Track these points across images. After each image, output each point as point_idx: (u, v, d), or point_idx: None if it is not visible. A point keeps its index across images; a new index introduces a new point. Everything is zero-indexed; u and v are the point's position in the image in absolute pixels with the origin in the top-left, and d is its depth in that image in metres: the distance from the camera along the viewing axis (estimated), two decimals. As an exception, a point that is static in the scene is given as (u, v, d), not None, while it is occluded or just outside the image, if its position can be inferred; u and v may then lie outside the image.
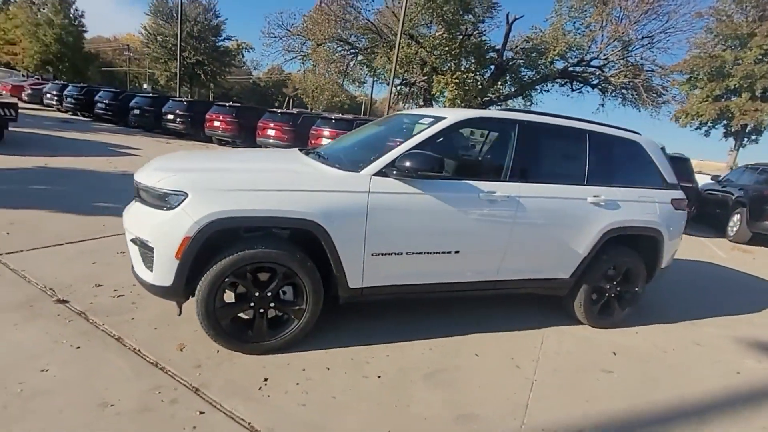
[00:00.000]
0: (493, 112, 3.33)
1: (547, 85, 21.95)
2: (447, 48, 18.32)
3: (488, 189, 2.67)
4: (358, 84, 26.57)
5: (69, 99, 18.30)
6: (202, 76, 28.46)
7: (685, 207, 3.54)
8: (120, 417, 1.78)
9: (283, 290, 2.39)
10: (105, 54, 43.84)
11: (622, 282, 3.34)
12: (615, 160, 3.33)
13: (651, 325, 3.49)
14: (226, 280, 2.19)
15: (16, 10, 36.99)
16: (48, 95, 19.86)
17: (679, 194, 3.45)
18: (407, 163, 2.39)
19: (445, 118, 2.74)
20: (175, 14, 20.89)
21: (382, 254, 2.48)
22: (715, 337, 3.46)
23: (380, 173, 2.45)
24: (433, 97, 21.48)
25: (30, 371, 1.97)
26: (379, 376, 2.31)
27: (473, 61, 20.05)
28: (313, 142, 11.01)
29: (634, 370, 2.77)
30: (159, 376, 2.07)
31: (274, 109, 14.74)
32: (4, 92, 23.03)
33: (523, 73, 21.87)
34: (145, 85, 42.38)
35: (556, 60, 20.49)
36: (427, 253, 2.59)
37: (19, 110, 8.78)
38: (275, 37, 21.95)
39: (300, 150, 3.17)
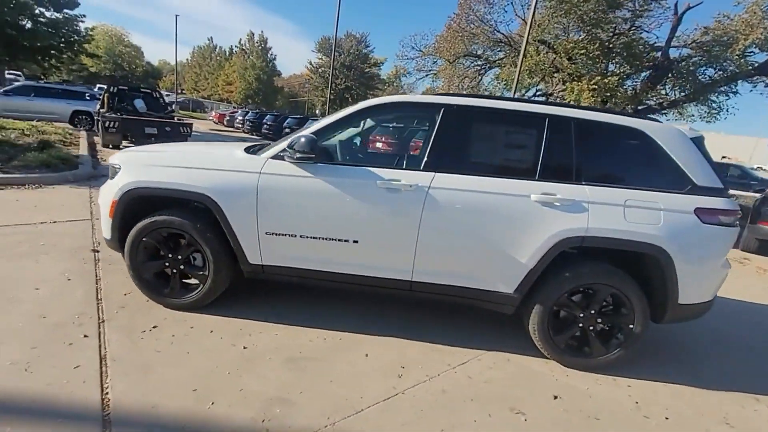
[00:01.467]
0: (413, 96, 2.93)
1: (734, 86, 17.02)
2: (584, 51, 16.25)
3: (389, 177, 2.48)
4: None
5: (247, 122, 23.48)
6: (350, 99, 32.30)
7: (732, 221, 2.47)
8: (41, 324, 2.38)
9: (194, 256, 2.74)
10: (293, 87, 53.94)
11: (608, 313, 2.56)
12: (596, 153, 2.59)
13: (654, 382, 2.54)
14: (144, 239, 2.66)
15: (235, 59, 49.18)
16: (237, 120, 25.88)
17: (713, 201, 2.44)
18: (293, 147, 2.46)
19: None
20: (334, 50, 24.80)
21: (276, 234, 2.58)
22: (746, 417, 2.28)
23: (277, 156, 2.57)
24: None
25: (29, 288, 2.80)
26: (245, 347, 2.41)
27: (623, 62, 17.18)
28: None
29: (562, 421, 2.11)
30: (91, 306, 2.66)
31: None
32: (213, 119, 30.96)
33: (699, 73, 17.58)
34: (317, 110, 50.51)
35: (752, 53, 15.92)
36: (323, 238, 2.56)
37: (211, 130, 11.78)
38: (408, 58, 23.41)
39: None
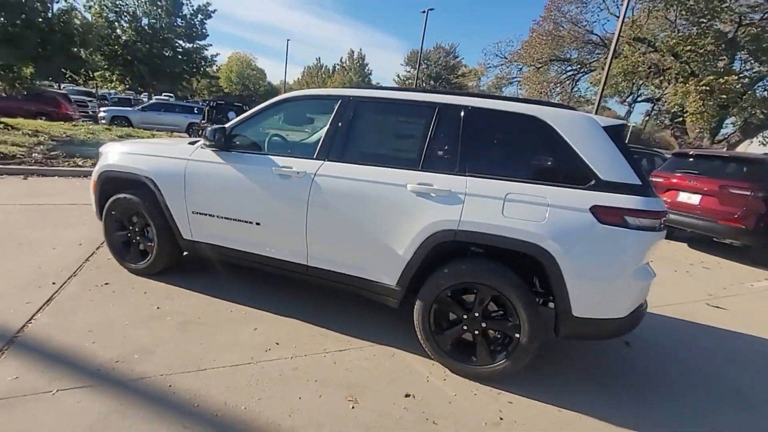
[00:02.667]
0: (318, 90, 2.95)
1: None
2: (692, 46, 13.90)
3: (283, 164, 2.66)
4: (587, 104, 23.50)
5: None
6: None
7: (647, 223, 2.06)
8: (34, 271, 3.10)
9: (147, 230, 3.25)
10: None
11: (496, 318, 2.35)
12: (485, 142, 2.38)
13: (549, 405, 2.22)
14: (112, 212, 3.25)
15: (336, 75, 53.31)
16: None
17: (618, 199, 2.07)
18: (206, 136, 2.81)
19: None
20: (422, 62, 25.47)
21: (200, 213, 2.95)
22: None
23: (207, 145, 2.95)
24: (677, 114, 16.55)
25: (48, 248, 3.63)
26: (158, 308, 2.80)
27: (751, 59, 14.21)
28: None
29: (392, 416, 2.01)
30: (77, 264, 3.34)
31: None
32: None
33: None
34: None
35: None
36: (234, 219, 2.84)
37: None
38: (492, 66, 22.72)
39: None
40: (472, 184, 2.26)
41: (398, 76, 38.33)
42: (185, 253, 3.34)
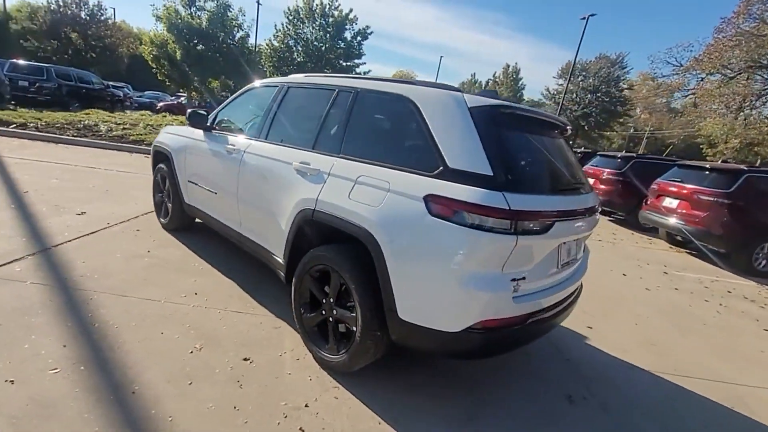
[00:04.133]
0: (270, 80, 3.00)
1: None
2: None
3: (230, 143, 3.06)
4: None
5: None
6: (586, 127, 28.43)
7: (489, 223, 1.68)
8: (110, 215, 4.32)
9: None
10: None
11: (344, 307, 2.24)
12: (364, 123, 2.26)
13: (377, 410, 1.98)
14: (156, 178, 4.23)
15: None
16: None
17: (454, 190, 1.74)
18: (187, 117, 3.44)
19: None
20: (578, 73, 22.86)
21: (190, 182, 3.62)
22: None
23: (194, 126, 3.59)
24: None
25: (133, 201, 4.93)
26: (148, 251, 3.54)
27: None
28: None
29: (203, 372, 2.15)
30: (135, 214, 4.47)
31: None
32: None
33: None
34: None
35: None
36: (205, 189, 3.40)
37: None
38: (663, 76, 18.88)
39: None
40: (337, 165, 2.22)
41: (547, 89, 35.35)
42: (197, 220, 4.07)
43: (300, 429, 1.84)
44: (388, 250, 1.86)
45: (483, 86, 58.26)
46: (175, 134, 3.94)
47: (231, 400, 1.95)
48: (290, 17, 26.02)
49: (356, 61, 28.02)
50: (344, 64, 27.31)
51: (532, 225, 1.76)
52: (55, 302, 2.53)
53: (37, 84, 13.51)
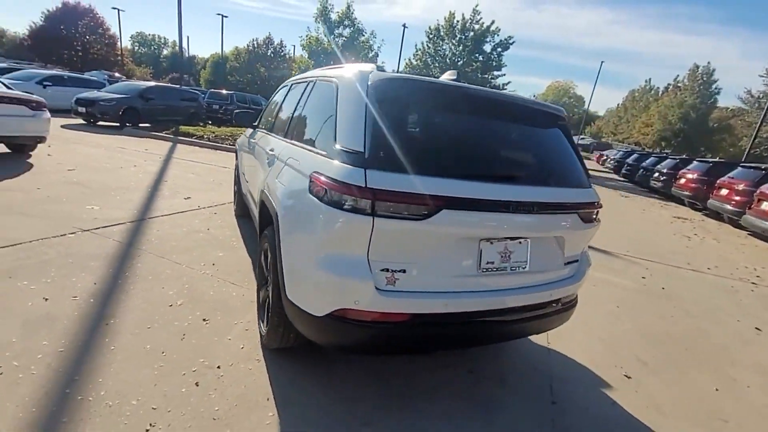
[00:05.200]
0: (287, 80, 3.05)
1: None
2: None
3: (254, 137, 3.52)
4: None
5: (612, 161, 21.61)
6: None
7: (337, 197, 1.56)
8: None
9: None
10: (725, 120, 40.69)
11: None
12: (308, 109, 2.33)
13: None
14: (235, 173, 5.09)
15: (665, 98, 43.90)
16: (608, 160, 24.19)
17: (329, 167, 1.66)
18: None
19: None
20: None
21: (242, 173, 4.24)
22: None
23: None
24: None
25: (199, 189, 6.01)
26: (208, 229, 4.29)
27: None
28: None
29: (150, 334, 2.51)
30: (222, 201, 5.43)
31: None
32: (594, 160, 30.19)
33: None
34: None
35: None
36: (244, 178, 3.94)
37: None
38: None
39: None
40: (283, 149, 2.35)
41: (748, 92, 27.23)
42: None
43: (196, 383, 2.01)
44: (280, 228, 1.89)
45: (660, 92, 49.01)
46: (243, 134, 4.67)
47: (166, 346, 2.26)
48: (430, 35, 27.10)
49: (495, 73, 27.23)
50: (481, 76, 26.85)
51: (395, 207, 1.54)
52: (115, 254, 3.34)
53: (223, 107, 17.47)
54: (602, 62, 39.68)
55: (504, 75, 27.28)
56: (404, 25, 29.17)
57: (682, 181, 11.94)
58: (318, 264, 1.66)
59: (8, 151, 6.54)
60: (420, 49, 27.32)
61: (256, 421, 1.83)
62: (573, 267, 2.15)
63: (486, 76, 26.91)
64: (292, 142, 2.32)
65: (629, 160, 18.84)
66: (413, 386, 2.23)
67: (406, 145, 1.66)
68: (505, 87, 28.05)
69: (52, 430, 1.64)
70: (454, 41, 27.24)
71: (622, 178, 19.66)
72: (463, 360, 2.53)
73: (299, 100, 2.62)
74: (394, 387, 2.20)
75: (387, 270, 1.62)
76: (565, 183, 2.03)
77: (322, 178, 1.65)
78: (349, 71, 2.01)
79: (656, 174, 14.27)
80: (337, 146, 1.73)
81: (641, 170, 16.38)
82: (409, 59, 27.32)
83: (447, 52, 27.53)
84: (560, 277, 2.08)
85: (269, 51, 38.42)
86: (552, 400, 2.29)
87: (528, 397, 2.29)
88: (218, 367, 2.16)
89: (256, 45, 38.23)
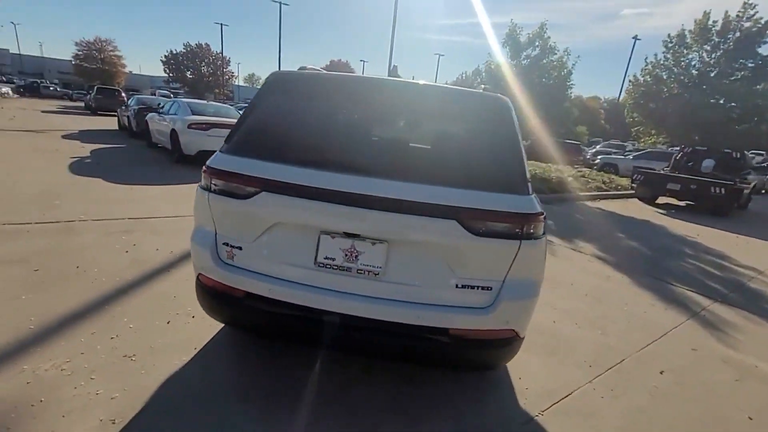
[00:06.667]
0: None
1: None
2: None
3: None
4: None
5: None
6: None
7: (206, 177, 1.88)
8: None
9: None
10: None
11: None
12: None
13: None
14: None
15: None
16: None
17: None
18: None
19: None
20: None
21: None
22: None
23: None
24: None
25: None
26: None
27: None
28: None
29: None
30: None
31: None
32: None
33: None
34: None
35: None
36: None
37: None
38: None
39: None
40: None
41: None
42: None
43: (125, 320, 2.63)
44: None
45: None
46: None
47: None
48: (669, 44, 21.91)
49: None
50: (748, 88, 19.80)
51: (222, 185, 1.72)
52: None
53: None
54: None
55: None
56: (635, 37, 24.68)
57: None
58: (192, 233, 2.01)
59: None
60: (651, 62, 22.50)
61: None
62: (478, 294, 1.68)
63: (758, 87, 19.76)
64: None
65: None
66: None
67: (265, 134, 1.81)
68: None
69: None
70: (707, 47, 21.28)
71: None
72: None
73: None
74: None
75: (227, 245, 1.81)
76: (459, 183, 1.64)
77: (216, 170, 2.00)
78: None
79: None
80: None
81: None
82: (635, 76, 22.73)
83: (693, 62, 21.72)
84: (448, 301, 1.67)
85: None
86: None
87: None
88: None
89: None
